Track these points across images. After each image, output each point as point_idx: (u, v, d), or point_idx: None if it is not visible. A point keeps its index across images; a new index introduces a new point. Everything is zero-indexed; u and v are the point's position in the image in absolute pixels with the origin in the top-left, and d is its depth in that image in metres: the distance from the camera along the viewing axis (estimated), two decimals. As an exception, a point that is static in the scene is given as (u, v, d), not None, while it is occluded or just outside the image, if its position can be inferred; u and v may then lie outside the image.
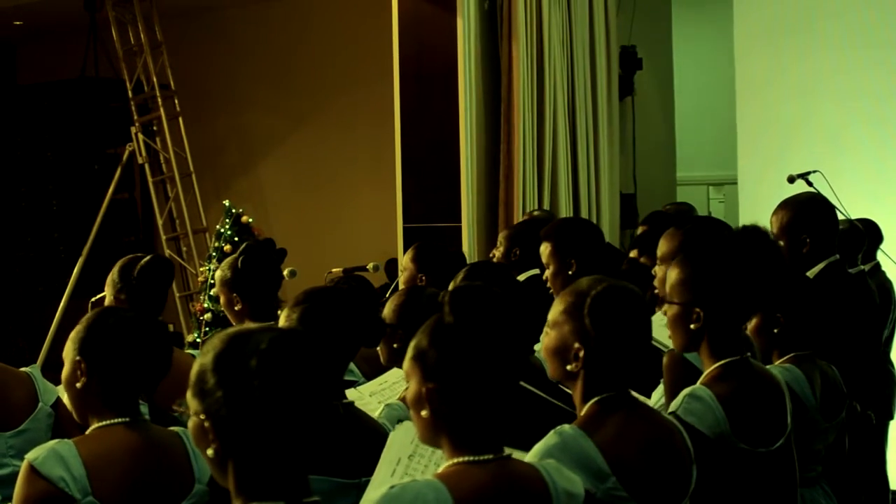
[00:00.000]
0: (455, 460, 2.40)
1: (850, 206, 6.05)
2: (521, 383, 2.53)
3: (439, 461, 2.92)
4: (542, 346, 2.94)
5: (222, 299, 4.55)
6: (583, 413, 2.83)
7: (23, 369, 3.87)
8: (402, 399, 3.62)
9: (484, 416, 2.41)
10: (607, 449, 2.72)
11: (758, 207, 7.98)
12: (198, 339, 9.36)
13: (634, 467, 2.74)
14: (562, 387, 3.34)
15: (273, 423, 2.06)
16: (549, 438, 2.71)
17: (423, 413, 2.42)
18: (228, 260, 4.63)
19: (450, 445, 2.42)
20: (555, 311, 2.88)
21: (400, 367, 3.82)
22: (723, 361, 3.28)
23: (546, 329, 2.92)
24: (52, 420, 3.76)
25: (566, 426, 2.76)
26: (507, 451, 2.45)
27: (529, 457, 2.66)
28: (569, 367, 2.84)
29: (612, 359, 2.82)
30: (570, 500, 2.47)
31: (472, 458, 2.39)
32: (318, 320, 3.30)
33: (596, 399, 2.82)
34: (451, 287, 4.58)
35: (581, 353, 2.82)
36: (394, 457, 3.02)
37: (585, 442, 2.71)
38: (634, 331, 2.85)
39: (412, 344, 2.48)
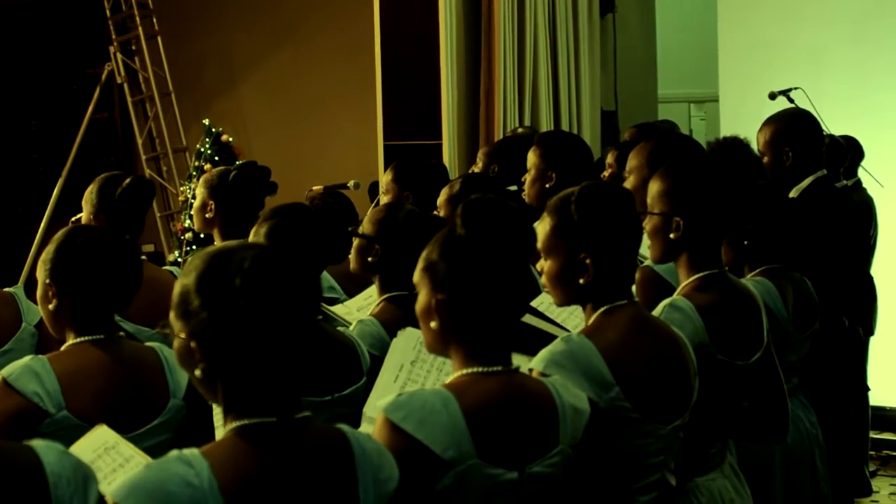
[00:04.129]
0: (464, 371, 2.42)
1: (831, 124, 6.05)
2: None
3: (442, 367, 2.96)
4: (545, 277, 2.88)
5: (197, 200, 4.54)
6: (591, 321, 2.83)
7: (6, 290, 3.87)
8: (375, 315, 3.65)
9: (493, 328, 2.43)
10: (612, 359, 2.71)
11: (739, 125, 7.92)
12: (179, 259, 9.35)
13: (638, 378, 2.74)
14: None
15: (260, 341, 2.03)
16: (557, 345, 2.71)
17: (433, 324, 2.44)
18: (221, 168, 4.62)
19: (459, 356, 2.44)
20: (542, 237, 2.83)
21: (369, 278, 3.82)
22: (701, 274, 3.27)
23: (542, 261, 2.87)
24: (36, 339, 3.76)
25: (574, 334, 2.77)
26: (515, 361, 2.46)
27: (535, 362, 2.67)
28: (581, 281, 2.80)
29: (617, 252, 2.81)
30: (575, 415, 2.49)
31: (481, 370, 2.41)
32: (285, 235, 3.35)
33: (605, 308, 2.81)
34: (442, 198, 4.59)
35: (588, 261, 2.79)
36: (396, 362, 3.04)
37: (592, 351, 2.71)
38: (626, 217, 2.84)
39: (423, 255, 2.48)
